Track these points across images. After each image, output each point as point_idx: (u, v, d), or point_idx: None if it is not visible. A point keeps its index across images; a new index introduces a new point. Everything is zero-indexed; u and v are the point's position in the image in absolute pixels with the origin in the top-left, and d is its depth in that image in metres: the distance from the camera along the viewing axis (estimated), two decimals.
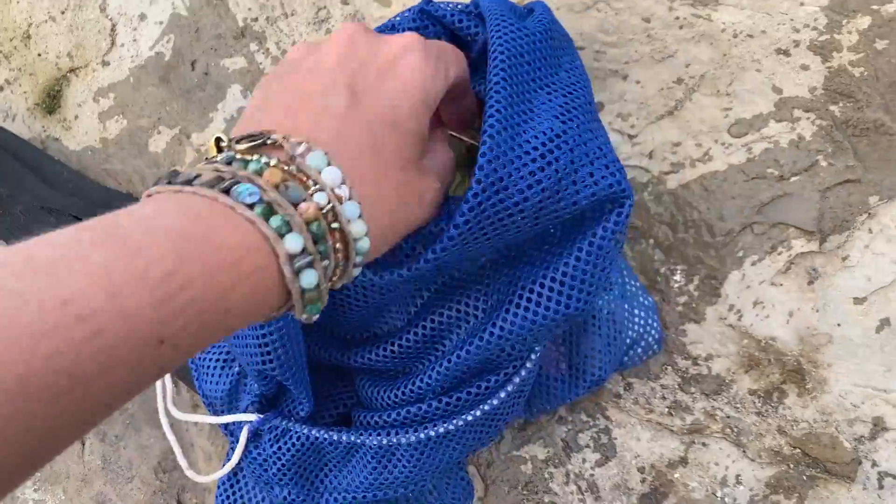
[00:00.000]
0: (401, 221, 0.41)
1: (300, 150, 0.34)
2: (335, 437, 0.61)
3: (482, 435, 0.61)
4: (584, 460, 0.69)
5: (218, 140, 0.36)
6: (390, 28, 0.58)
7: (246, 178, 0.32)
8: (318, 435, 0.62)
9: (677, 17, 0.67)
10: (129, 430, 0.89)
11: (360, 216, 0.35)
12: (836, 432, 0.63)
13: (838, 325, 0.63)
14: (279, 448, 0.63)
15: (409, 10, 0.57)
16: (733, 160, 0.66)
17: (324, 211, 0.33)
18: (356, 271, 0.37)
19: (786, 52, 0.65)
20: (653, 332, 0.65)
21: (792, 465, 0.63)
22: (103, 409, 0.28)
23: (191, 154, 0.86)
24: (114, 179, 0.91)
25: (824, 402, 0.63)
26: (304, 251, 0.32)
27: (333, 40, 0.42)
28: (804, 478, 0.63)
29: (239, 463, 0.66)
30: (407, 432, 0.59)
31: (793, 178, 0.64)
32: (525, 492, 0.70)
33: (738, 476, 0.64)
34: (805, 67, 0.64)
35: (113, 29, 0.92)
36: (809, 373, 0.64)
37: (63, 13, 0.95)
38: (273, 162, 0.33)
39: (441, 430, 0.58)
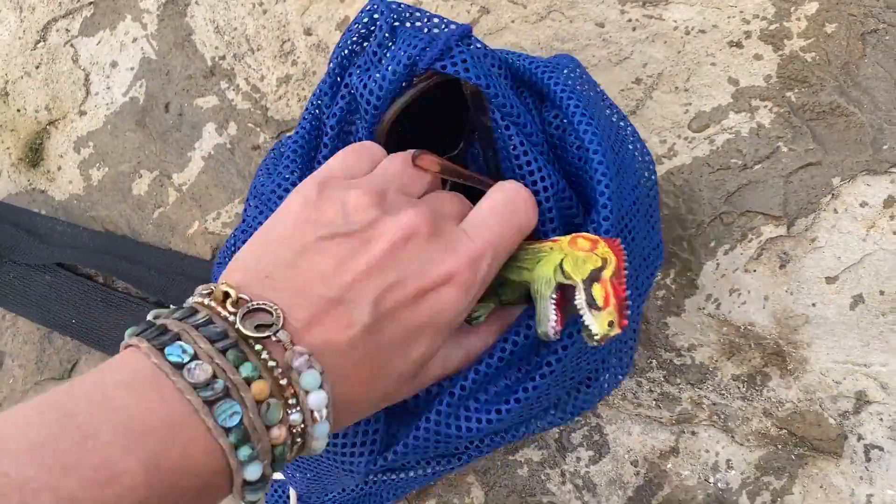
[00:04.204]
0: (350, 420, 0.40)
1: (299, 362, 0.32)
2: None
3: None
4: (578, 459, 0.67)
5: (226, 295, 0.33)
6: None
7: (234, 387, 0.30)
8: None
9: (630, 20, 0.66)
10: None
11: (326, 434, 0.33)
12: (820, 410, 0.61)
13: (813, 305, 0.62)
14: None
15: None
16: (697, 153, 0.65)
17: (294, 429, 0.32)
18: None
19: (738, 44, 0.64)
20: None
21: (780, 446, 0.62)
22: None
23: (173, 194, 0.85)
24: (100, 225, 0.89)
25: (807, 382, 0.62)
26: (262, 478, 0.31)
27: (393, 226, 0.37)
28: (793, 457, 0.61)
29: None
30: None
31: (756, 167, 0.63)
32: (524, 494, 0.68)
33: (728, 461, 0.63)
34: (758, 57, 0.63)
35: (87, 79, 0.90)
36: (790, 354, 0.62)
37: (37, 68, 0.93)
38: (268, 364, 0.31)
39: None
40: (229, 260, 0.59)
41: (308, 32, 0.78)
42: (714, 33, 0.64)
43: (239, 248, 0.56)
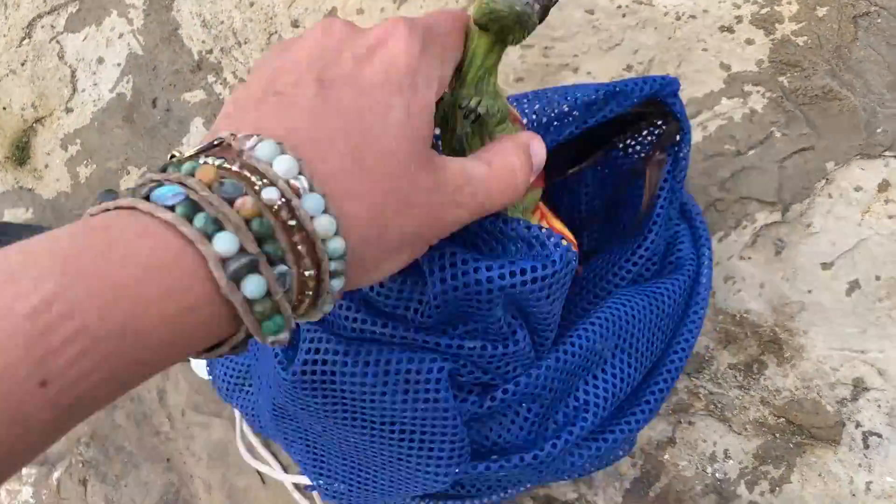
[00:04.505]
0: (396, 229, 0.32)
1: (249, 143, 0.28)
2: None
3: None
4: None
5: (172, 156, 0.29)
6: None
7: (174, 180, 0.26)
8: None
9: (619, 6, 0.65)
10: (128, 467, 0.86)
11: (325, 210, 0.28)
12: (818, 397, 0.61)
13: (809, 291, 0.61)
14: None
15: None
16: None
17: (275, 207, 0.27)
18: (336, 283, 0.30)
19: (729, 29, 0.63)
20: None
21: (778, 435, 0.61)
22: None
23: None
24: None
25: (804, 369, 0.61)
26: (241, 251, 0.25)
27: (306, 34, 0.34)
28: (791, 445, 0.61)
29: None
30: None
31: (750, 152, 0.62)
32: None
33: (726, 451, 0.62)
34: (750, 42, 0.63)
35: (73, 75, 0.89)
36: (786, 342, 0.62)
37: (23, 65, 0.93)
38: (217, 163, 0.27)
39: None
40: None
41: (295, 24, 0.77)
42: (705, 18, 0.63)
43: None
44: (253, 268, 0.26)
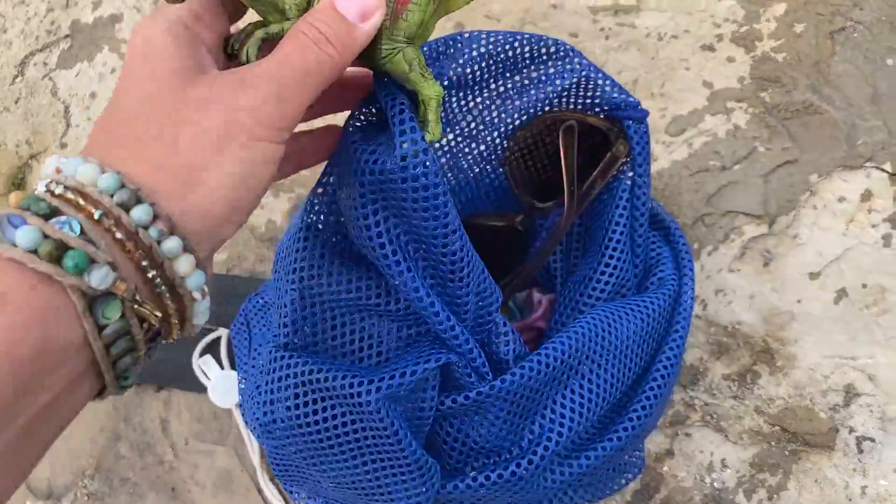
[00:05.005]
0: (216, 185, 0.30)
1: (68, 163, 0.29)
2: None
3: None
4: None
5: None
6: None
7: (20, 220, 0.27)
8: None
9: (602, 28, 0.67)
10: (133, 498, 0.87)
11: (113, 182, 0.28)
12: (811, 404, 0.62)
13: (798, 301, 0.63)
14: None
15: None
16: (676, 157, 0.66)
17: (101, 206, 0.28)
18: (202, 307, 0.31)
19: (711, 48, 0.65)
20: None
21: (773, 443, 0.63)
22: None
23: None
24: None
25: (796, 378, 0.63)
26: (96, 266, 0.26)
27: None
28: (786, 453, 0.62)
29: None
30: None
31: (735, 167, 0.64)
32: None
33: (723, 460, 0.63)
34: (731, 60, 0.65)
35: (66, 111, 0.91)
36: (778, 351, 0.63)
37: (17, 102, 0.94)
38: (54, 190, 0.28)
39: None
40: (254, 323, 0.60)
41: None
42: (686, 38, 0.65)
43: (252, 312, 0.57)
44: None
